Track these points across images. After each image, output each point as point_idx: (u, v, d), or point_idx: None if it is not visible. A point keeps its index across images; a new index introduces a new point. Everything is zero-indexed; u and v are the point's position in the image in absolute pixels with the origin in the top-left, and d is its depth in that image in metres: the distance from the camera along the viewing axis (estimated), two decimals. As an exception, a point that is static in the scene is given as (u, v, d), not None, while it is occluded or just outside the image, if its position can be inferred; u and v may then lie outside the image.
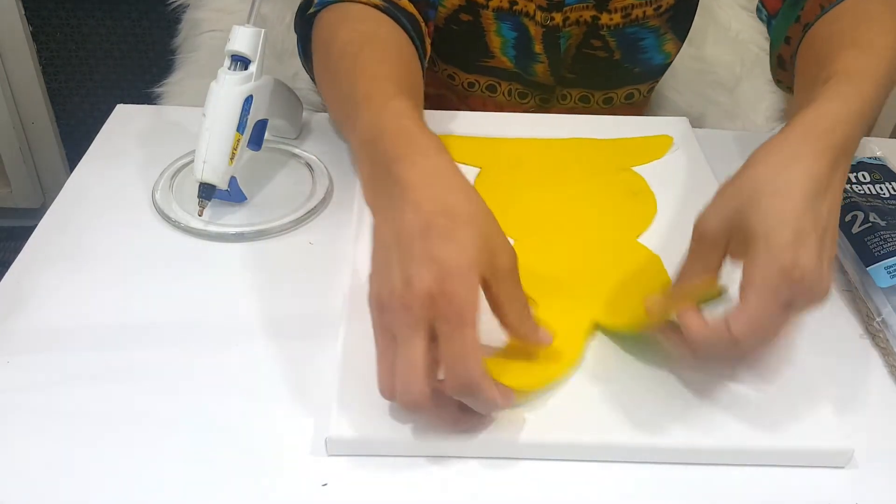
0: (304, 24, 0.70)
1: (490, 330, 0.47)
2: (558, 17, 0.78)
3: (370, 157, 0.52)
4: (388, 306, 0.44)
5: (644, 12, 0.79)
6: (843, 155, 0.50)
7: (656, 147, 0.74)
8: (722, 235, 0.48)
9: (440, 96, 0.88)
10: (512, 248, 0.47)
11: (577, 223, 0.64)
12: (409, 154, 0.49)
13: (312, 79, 0.73)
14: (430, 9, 0.74)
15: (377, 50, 0.62)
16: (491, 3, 0.78)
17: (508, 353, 0.50)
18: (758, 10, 0.76)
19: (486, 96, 0.86)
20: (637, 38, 0.81)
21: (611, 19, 0.79)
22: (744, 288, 0.46)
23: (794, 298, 0.45)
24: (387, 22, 0.66)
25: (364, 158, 0.53)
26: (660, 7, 0.79)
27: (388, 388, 0.45)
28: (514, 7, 0.78)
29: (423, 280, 0.43)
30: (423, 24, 0.71)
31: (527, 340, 0.49)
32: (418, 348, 0.43)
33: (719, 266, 0.49)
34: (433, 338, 0.43)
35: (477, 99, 0.86)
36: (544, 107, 0.87)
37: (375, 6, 0.66)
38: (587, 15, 0.78)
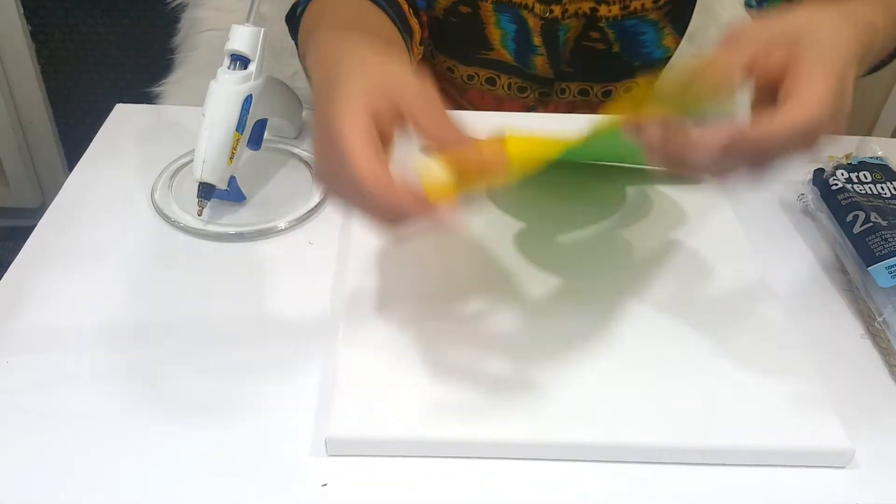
0: (295, 24, 0.71)
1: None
2: (557, 10, 0.78)
3: (314, 78, 0.53)
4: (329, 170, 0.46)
5: (643, 4, 0.79)
6: (866, 52, 0.49)
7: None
8: (763, 37, 0.47)
9: (439, 90, 0.87)
10: (416, 80, 0.47)
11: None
12: (350, 50, 0.50)
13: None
14: None
15: (356, 4, 0.65)
16: None
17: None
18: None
19: (485, 89, 0.86)
20: (636, 31, 0.81)
21: (609, 11, 0.79)
22: (801, 75, 0.44)
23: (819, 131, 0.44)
24: (368, 5, 0.67)
25: (312, 83, 0.54)
26: (659, 0, 0.79)
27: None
28: (513, 0, 0.78)
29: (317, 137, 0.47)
30: (406, 10, 0.71)
31: (447, 142, 0.46)
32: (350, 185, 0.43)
33: (738, 68, 0.47)
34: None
35: (476, 92, 0.87)
36: (543, 100, 0.87)
37: None
38: (586, 7, 0.79)
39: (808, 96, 0.43)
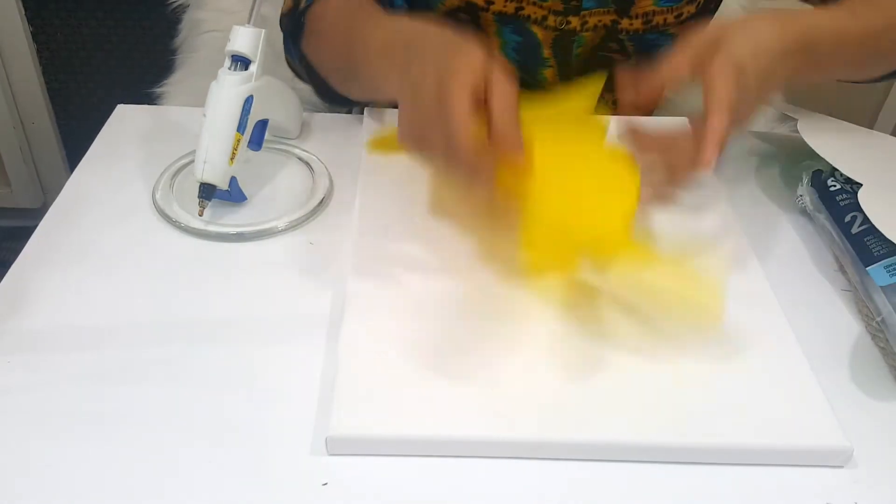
0: (295, 20, 0.73)
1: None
2: (575, 21, 0.77)
3: (388, 55, 0.61)
4: (412, 127, 0.55)
5: (665, 19, 0.78)
6: (801, 50, 0.59)
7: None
8: (701, 41, 0.57)
9: None
10: (508, 77, 0.55)
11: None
12: (422, 31, 0.59)
13: (294, 70, 0.77)
14: None
15: (365, 5, 0.70)
16: (492, 7, 0.77)
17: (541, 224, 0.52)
18: None
19: None
20: (656, 44, 0.80)
21: (631, 24, 0.78)
22: (712, 80, 0.55)
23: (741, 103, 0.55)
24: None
25: (383, 60, 0.61)
26: (681, 15, 0.78)
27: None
28: (520, 13, 0.77)
29: (428, 80, 0.53)
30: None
31: (504, 138, 0.53)
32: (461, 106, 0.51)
33: (686, 66, 0.57)
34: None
35: None
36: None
37: None
38: (607, 19, 0.78)
39: (710, 102, 0.54)
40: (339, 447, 0.47)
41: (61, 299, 0.56)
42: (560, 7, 0.76)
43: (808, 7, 0.65)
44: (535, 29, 0.78)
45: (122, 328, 0.54)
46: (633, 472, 0.47)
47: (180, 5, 1.12)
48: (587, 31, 0.78)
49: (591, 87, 0.69)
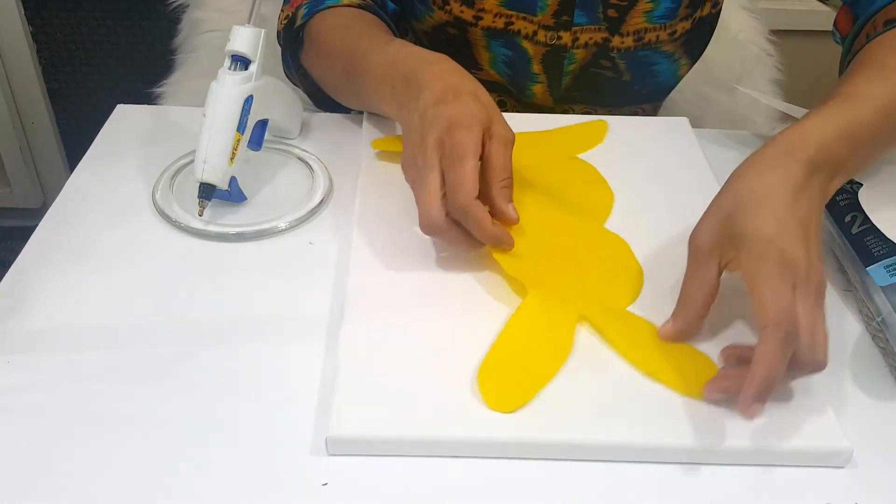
0: (293, 35, 0.75)
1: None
2: (566, 36, 0.77)
3: (391, 82, 0.63)
4: (411, 163, 0.58)
5: (658, 37, 0.77)
6: (819, 169, 0.52)
7: (594, 133, 0.75)
8: (715, 247, 0.51)
9: None
10: (508, 125, 0.58)
11: (550, 209, 0.64)
12: (421, 65, 0.62)
13: (291, 80, 0.79)
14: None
15: (361, 21, 0.73)
16: (481, 23, 0.77)
17: (500, 358, 0.51)
18: (833, 34, 0.75)
19: None
20: (649, 61, 0.80)
21: (622, 42, 0.77)
22: (752, 287, 0.48)
23: (797, 284, 0.48)
24: (360, 11, 0.75)
25: (385, 87, 0.64)
26: (675, 32, 0.77)
27: (423, 223, 0.56)
28: (510, 27, 0.77)
29: (435, 132, 0.55)
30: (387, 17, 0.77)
31: (496, 215, 0.57)
32: (433, 182, 0.55)
33: (716, 278, 0.52)
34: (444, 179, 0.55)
35: None
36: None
37: (350, 5, 0.74)
38: (598, 37, 0.77)
39: (762, 314, 0.47)
40: (338, 447, 0.47)
41: (61, 299, 0.56)
42: (551, 22, 0.76)
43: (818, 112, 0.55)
44: (526, 44, 0.78)
45: (122, 328, 0.54)
46: (634, 473, 0.47)
47: (180, 5, 1.12)
48: (578, 48, 0.78)
49: (596, 131, 0.70)
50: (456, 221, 0.55)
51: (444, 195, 0.55)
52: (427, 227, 0.55)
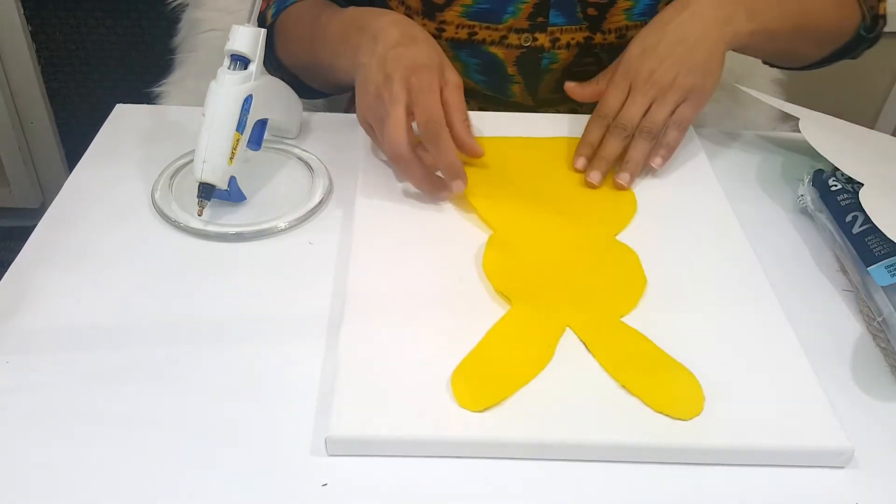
0: (267, 34, 0.76)
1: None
2: (543, 38, 0.77)
3: (345, 36, 0.68)
4: (373, 103, 0.62)
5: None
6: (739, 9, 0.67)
7: None
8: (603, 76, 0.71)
9: None
10: (455, 70, 0.65)
11: (555, 220, 0.64)
12: (374, 16, 0.67)
13: (272, 72, 0.80)
14: None
15: (324, 7, 0.76)
16: (444, 34, 0.77)
17: (477, 360, 0.51)
18: None
19: None
20: None
21: (605, 39, 0.78)
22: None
23: (654, 96, 0.67)
24: (323, 1, 0.79)
25: (341, 44, 0.68)
26: None
27: (390, 151, 0.61)
28: (474, 38, 0.77)
29: (400, 70, 0.61)
30: None
31: (463, 147, 0.64)
32: (400, 114, 0.60)
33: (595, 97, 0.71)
34: (409, 113, 0.60)
35: None
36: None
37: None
38: (580, 37, 0.77)
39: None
40: (338, 447, 0.47)
41: (61, 299, 0.56)
42: (525, 25, 0.76)
43: None
44: (494, 49, 0.78)
45: (122, 328, 0.54)
46: (634, 473, 0.47)
47: (180, 5, 1.12)
48: (560, 48, 0.77)
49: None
50: (417, 157, 0.61)
51: (409, 128, 0.60)
52: (394, 156, 0.60)
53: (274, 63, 0.80)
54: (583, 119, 0.74)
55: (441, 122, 0.60)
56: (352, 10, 0.70)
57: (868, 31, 0.78)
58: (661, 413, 0.48)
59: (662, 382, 0.50)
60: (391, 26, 0.64)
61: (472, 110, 0.82)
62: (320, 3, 0.78)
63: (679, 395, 0.49)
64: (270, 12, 0.79)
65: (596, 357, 0.52)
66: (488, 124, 0.75)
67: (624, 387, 0.50)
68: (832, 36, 0.78)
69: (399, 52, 0.62)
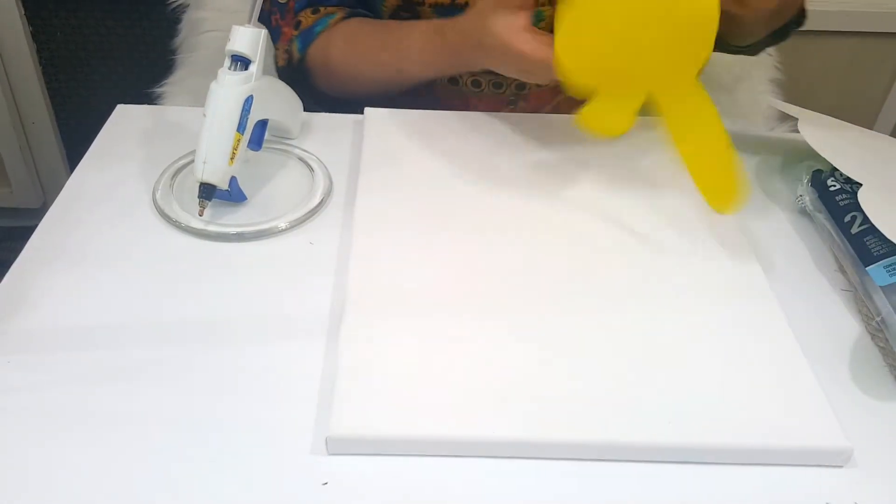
0: (296, 70, 0.79)
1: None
2: None
3: (440, 39, 0.72)
4: (514, 61, 0.65)
5: None
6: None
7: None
8: None
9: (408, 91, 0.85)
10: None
11: None
12: (458, 20, 0.70)
13: (315, 98, 0.81)
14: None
15: (365, 25, 0.78)
16: (427, 0, 0.77)
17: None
18: None
19: (449, 88, 0.84)
20: None
21: None
22: None
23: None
24: (355, 20, 0.80)
25: (436, 41, 0.73)
26: None
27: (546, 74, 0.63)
28: (457, 1, 0.77)
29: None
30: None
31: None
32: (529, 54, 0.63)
33: None
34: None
35: (442, 88, 0.84)
36: (520, 93, 0.84)
37: (338, 21, 0.79)
38: None
39: None
40: (339, 447, 0.47)
41: (61, 299, 0.56)
42: None
43: None
44: None
45: (123, 328, 0.54)
46: (634, 473, 0.47)
47: (180, 5, 1.12)
48: (544, 4, 0.76)
49: None
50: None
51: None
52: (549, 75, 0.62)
53: (315, 96, 0.81)
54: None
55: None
56: (423, 21, 0.74)
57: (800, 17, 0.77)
58: (703, 195, 0.48)
59: (715, 167, 0.50)
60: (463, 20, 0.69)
61: (464, 83, 0.83)
62: (357, 24, 0.79)
63: (725, 186, 0.49)
64: (296, 46, 0.78)
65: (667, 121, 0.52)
66: (487, 124, 0.75)
67: (682, 159, 0.50)
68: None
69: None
